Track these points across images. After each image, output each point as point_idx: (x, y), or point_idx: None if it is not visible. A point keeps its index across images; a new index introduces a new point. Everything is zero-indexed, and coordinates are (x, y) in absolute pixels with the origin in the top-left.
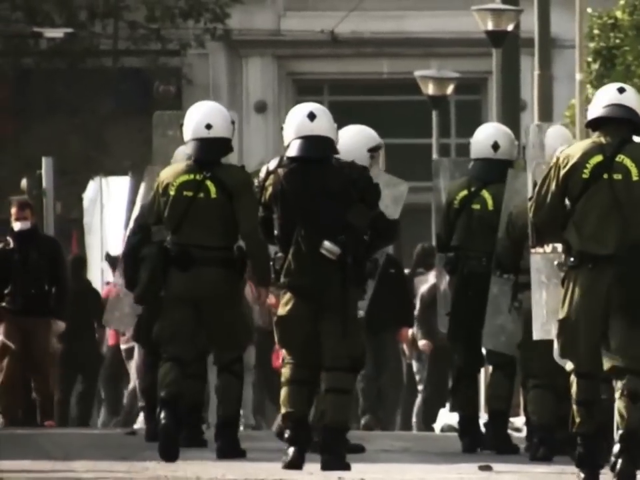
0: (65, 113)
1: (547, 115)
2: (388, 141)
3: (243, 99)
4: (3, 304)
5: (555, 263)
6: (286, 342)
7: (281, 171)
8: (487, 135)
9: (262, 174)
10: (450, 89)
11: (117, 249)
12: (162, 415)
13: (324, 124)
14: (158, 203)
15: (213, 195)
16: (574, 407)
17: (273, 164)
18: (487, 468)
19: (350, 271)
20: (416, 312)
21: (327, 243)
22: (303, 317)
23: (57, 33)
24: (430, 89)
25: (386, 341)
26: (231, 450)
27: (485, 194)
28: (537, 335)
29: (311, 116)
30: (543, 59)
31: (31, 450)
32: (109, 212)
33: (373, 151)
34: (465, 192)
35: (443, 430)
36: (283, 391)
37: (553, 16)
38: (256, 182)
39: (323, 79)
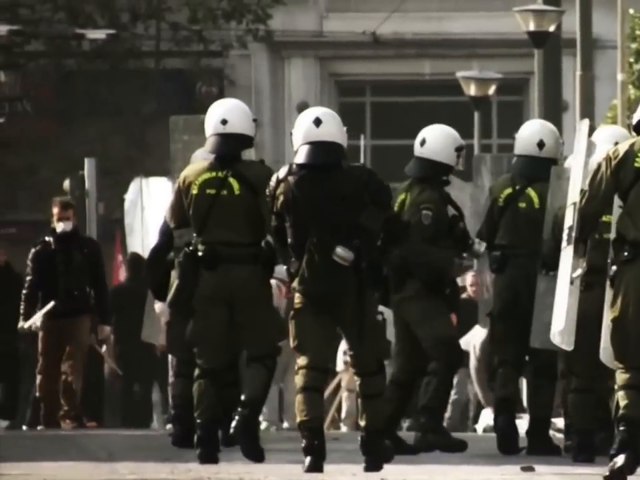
0: (107, 114)
1: (588, 116)
2: None
3: (285, 100)
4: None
5: (575, 275)
6: (301, 346)
7: (291, 178)
8: (533, 132)
9: (272, 182)
10: (492, 90)
11: None
12: (199, 436)
13: (331, 129)
14: (180, 204)
15: (237, 192)
16: (621, 392)
17: (282, 172)
18: (529, 469)
19: (365, 275)
20: None
21: (339, 250)
22: (316, 323)
23: (99, 35)
24: (472, 90)
25: None
26: (246, 433)
27: (531, 192)
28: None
29: (317, 121)
30: (584, 59)
31: (74, 451)
32: (150, 213)
33: (459, 150)
34: (509, 190)
35: (485, 431)
36: (298, 398)
37: (595, 16)
38: (267, 191)
39: (364, 80)
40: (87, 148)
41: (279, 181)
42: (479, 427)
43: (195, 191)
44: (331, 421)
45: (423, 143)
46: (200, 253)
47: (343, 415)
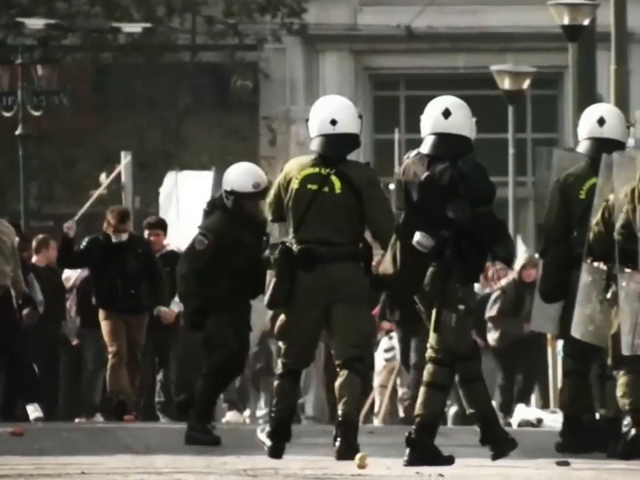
0: (143, 108)
1: (623, 110)
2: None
3: (319, 93)
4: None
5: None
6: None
7: (409, 163)
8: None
9: (400, 169)
10: (526, 84)
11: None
12: (273, 430)
13: (459, 121)
14: (279, 198)
15: (338, 190)
16: None
17: (411, 157)
18: (565, 463)
19: (451, 265)
20: (494, 308)
21: (418, 235)
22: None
23: (135, 28)
24: (506, 84)
25: None
26: (348, 449)
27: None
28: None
29: (446, 113)
30: (619, 53)
31: (111, 444)
32: (185, 207)
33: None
34: (593, 180)
35: (520, 425)
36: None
37: (629, 10)
38: (398, 175)
39: (399, 74)
40: (123, 141)
41: (405, 167)
42: (514, 422)
43: (296, 185)
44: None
45: (601, 122)
46: (295, 252)
47: (376, 409)
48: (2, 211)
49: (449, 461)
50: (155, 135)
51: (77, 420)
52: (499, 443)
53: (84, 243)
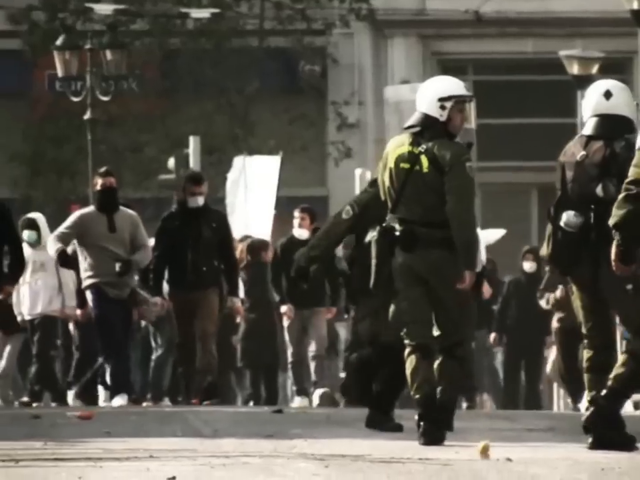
0: (211, 93)
1: None
2: (532, 121)
3: (387, 78)
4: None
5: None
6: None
7: (570, 144)
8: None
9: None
10: (595, 69)
11: (261, 231)
12: (420, 414)
13: (620, 102)
14: (382, 175)
15: (425, 170)
16: None
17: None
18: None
19: (598, 251)
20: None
21: (565, 216)
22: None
23: (203, 13)
24: (575, 69)
25: None
26: (435, 435)
27: None
28: None
29: (607, 94)
30: None
31: (179, 427)
32: (253, 192)
33: None
34: None
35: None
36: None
37: None
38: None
39: (467, 59)
40: (191, 126)
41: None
42: (582, 406)
43: (391, 164)
44: None
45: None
46: (397, 233)
47: None
48: (71, 195)
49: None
50: (223, 120)
51: (144, 404)
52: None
53: (160, 223)
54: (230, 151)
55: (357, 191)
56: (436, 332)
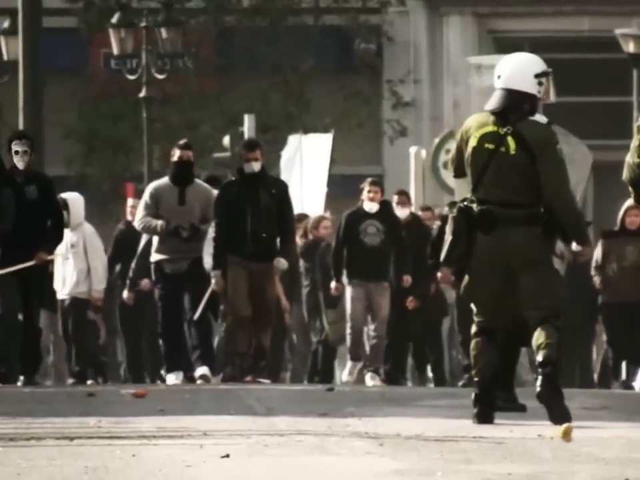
0: (266, 71)
1: None
2: (587, 99)
3: (442, 57)
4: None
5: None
6: None
7: None
8: None
9: None
10: None
11: (314, 209)
12: (477, 395)
13: None
14: (461, 154)
15: (512, 151)
16: None
17: None
18: None
19: None
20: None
21: None
22: None
23: None
24: (631, 47)
25: None
26: (552, 394)
27: None
28: None
29: None
30: None
31: (233, 405)
32: (308, 170)
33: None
34: None
35: None
36: None
37: None
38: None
39: (523, 37)
40: (246, 104)
41: None
42: (637, 385)
43: (474, 143)
44: None
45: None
46: (475, 213)
47: None
48: (126, 172)
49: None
50: (278, 97)
51: (198, 382)
52: None
53: (219, 191)
54: (284, 128)
55: (412, 170)
56: (527, 310)
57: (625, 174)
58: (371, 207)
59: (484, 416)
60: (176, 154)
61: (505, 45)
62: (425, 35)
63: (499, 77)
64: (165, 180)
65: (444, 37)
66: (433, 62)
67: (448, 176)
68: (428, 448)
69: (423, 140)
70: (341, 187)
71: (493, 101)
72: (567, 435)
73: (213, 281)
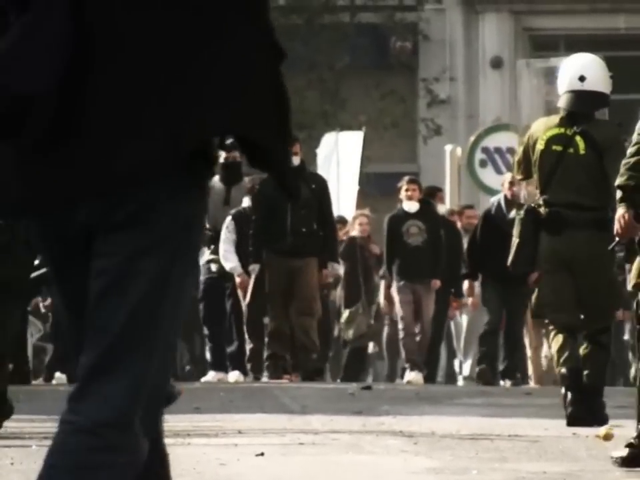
0: (302, 69)
1: None
2: (622, 97)
3: (478, 54)
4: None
5: None
6: None
7: None
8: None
9: None
10: None
11: (347, 207)
12: (567, 385)
13: None
14: (528, 158)
15: (582, 152)
16: None
17: None
18: None
19: None
20: None
21: None
22: None
23: None
24: None
25: None
26: (587, 417)
27: None
28: None
29: None
30: None
31: (268, 403)
32: (345, 168)
33: None
34: None
35: None
36: None
37: None
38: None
39: (559, 35)
40: None
41: None
42: None
43: (541, 147)
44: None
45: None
46: (543, 215)
47: (530, 371)
48: None
49: None
50: (313, 95)
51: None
52: None
53: (258, 187)
54: (320, 126)
55: (448, 168)
56: (582, 317)
57: None
58: (410, 206)
59: (578, 403)
60: (222, 154)
61: (541, 42)
62: (460, 32)
63: (580, 78)
64: (215, 179)
65: (480, 35)
66: (469, 59)
67: (483, 174)
68: (462, 446)
69: (458, 138)
70: (376, 185)
71: (577, 102)
72: (607, 438)
73: (237, 279)
